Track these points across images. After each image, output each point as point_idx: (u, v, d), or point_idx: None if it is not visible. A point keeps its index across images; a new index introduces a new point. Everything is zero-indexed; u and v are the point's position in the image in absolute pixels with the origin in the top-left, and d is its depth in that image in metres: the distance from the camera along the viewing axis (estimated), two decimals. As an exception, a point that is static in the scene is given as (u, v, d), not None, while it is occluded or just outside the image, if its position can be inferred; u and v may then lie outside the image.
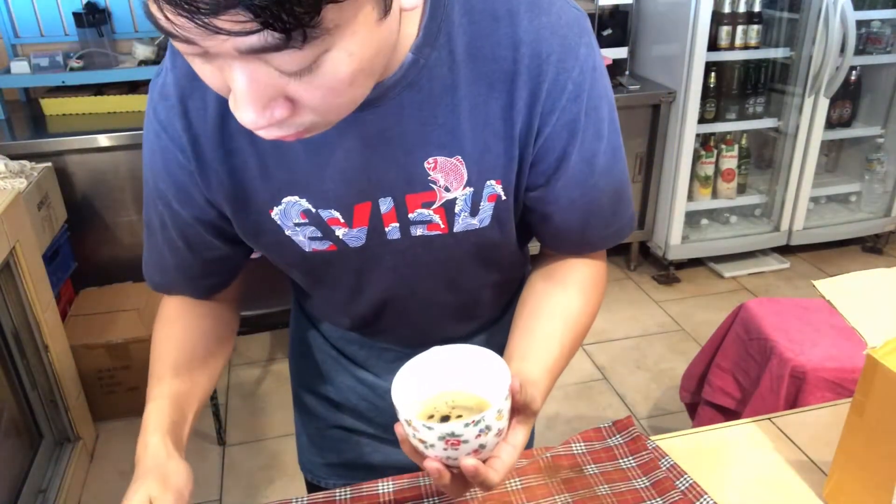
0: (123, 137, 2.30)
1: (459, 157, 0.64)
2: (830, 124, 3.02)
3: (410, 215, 0.67)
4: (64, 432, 2.04)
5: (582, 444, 0.86)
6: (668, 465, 0.81)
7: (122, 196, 2.40)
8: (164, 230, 0.73)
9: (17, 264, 1.78)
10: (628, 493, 0.78)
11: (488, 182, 0.66)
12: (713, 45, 2.70)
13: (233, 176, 0.66)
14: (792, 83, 2.90)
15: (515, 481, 0.80)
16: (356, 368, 0.92)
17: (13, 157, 2.09)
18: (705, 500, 0.76)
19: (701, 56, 2.66)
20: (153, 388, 0.72)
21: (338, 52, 0.45)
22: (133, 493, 0.61)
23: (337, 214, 0.67)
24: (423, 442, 0.58)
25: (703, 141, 3.00)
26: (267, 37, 0.40)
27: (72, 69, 2.47)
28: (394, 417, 0.60)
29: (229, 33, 0.40)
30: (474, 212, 0.68)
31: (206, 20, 0.39)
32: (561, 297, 0.75)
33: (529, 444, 0.91)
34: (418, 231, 0.69)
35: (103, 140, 2.29)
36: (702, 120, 2.81)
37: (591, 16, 2.80)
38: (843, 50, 2.72)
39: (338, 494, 0.80)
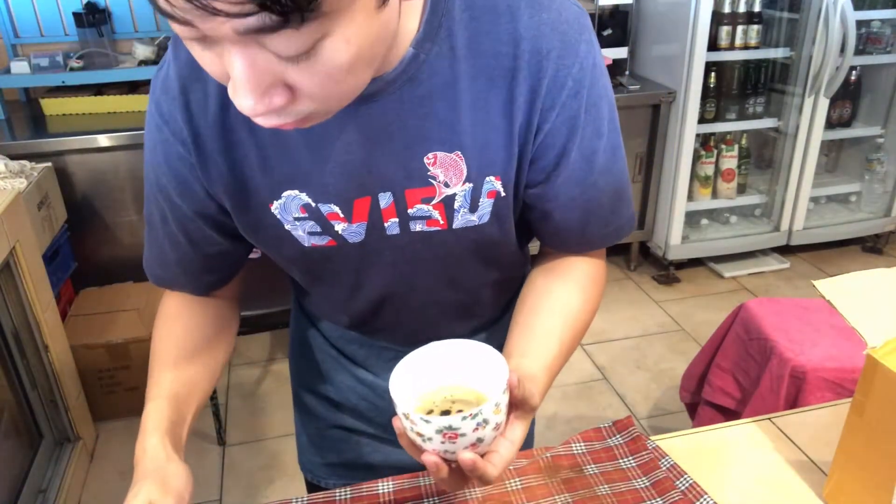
0: (123, 137, 2.31)
1: (459, 153, 0.64)
2: (830, 124, 3.02)
3: (410, 211, 0.67)
4: (64, 432, 2.04)
5: (582, 444, 0.86)
6: (668, 465, 0.81)
7: (122, 196, 2.41)
8: (165, 224, 0.73)
9: (17, 264, 1.78)
10: (628, 493, 0.78)
11: (488, 178, 0.66)
12: (713, 45, 2.70)
13: (233, 169, 0.66)
14: (792, 83, 2.90)
15: (515, 481, 0.80)
16: (356, 368, 0.92)
17: (13, 157, 2.10)
18: (705, 500, 0.76)
19: (701, 56, 2.66)
20: (152, 387, 0.72)
21: (336, 39, 0.45)
22: (133, 497, 0.61)
23: (336, 209, 0.67)
24: (420, 435, 0.58)
25: (703, 141, 3.00)
26: (265, 18, 0.41)
27: (72, 69, 2.47)
28: (393, 417, 0.60)
29: (227, 14, 0.40)
30: (473, 208, 0.68)
31: (204, 1, 0.39)
32: (561, 294, 0.75)
33: (529, 444, 0.91)
34: (417, 227, 0.69)
35: (103, 140, 2.30)
36: (702, 120, 2.82)
37: (591, 16, 2.78)
38: (843, 50, 2.72)
39: (338, 494, 0.80)
